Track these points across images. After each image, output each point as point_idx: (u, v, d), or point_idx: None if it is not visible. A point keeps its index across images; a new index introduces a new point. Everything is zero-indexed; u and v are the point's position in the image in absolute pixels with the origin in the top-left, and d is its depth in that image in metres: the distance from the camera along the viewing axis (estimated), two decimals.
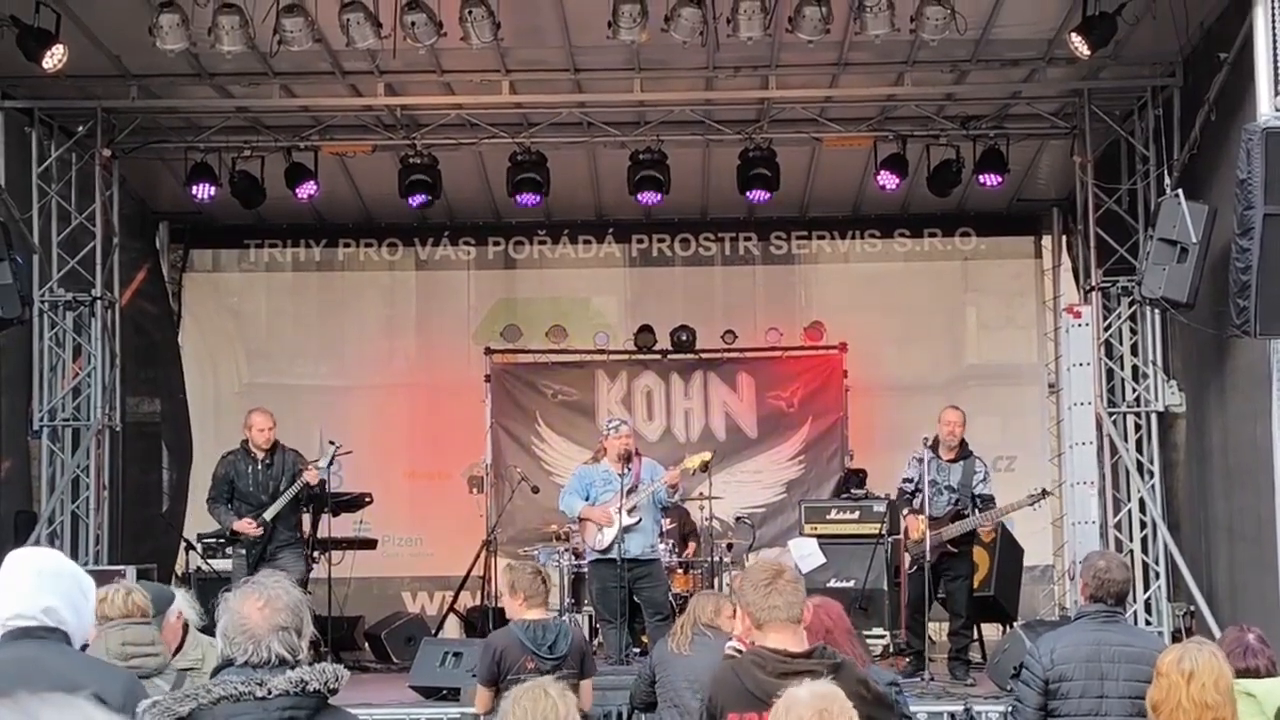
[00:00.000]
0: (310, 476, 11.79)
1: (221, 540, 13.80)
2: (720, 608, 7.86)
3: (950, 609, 11.89)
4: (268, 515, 11.69)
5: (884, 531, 13.09)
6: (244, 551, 11.74)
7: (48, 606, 3.87)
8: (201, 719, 3.60)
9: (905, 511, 11.91)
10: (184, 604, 6.98)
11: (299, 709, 3.70)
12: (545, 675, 6.62)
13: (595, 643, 12.86)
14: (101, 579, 5.57)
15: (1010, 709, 7.06)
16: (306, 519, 12.60)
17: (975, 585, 13.45)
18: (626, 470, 11.75)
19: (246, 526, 11.68)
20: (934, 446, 11.82)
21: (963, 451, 11.78)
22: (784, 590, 5.05)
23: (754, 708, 4.94)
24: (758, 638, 5.08)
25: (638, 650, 11.85)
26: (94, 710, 1.29)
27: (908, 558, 11.88)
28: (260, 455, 11.89)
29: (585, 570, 12.87)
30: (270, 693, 3.65)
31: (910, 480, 11.90)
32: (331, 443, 12.34)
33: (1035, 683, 6.57)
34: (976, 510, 11.67)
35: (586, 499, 11.88)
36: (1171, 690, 4.93)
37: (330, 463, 12.21)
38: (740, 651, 5.27)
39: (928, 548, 11.38)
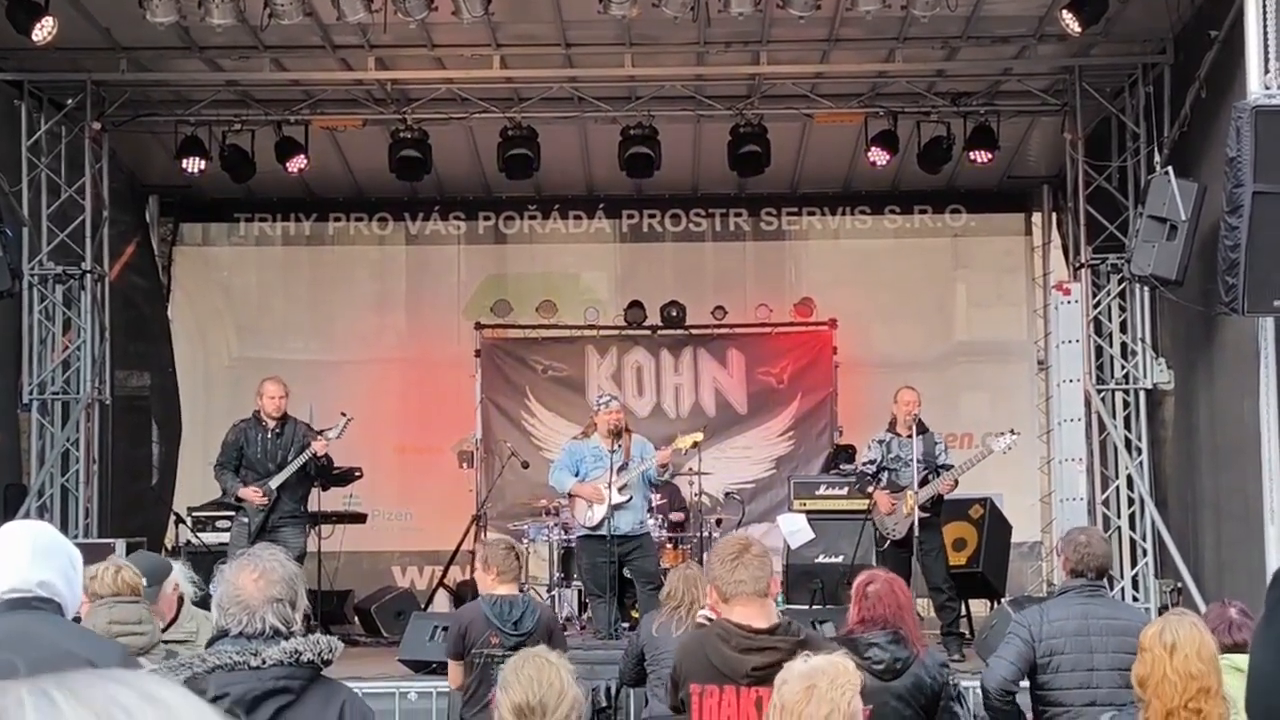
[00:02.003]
0: (319, 447, 11.72)
1: (212, 513, 13.87)
2: None
3: (930, 583, 11.88)
4: (274, 484, 11.63)
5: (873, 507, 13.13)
6: (246, 520, 11.68)
7: (43, 579, 3.90)
8: (196, 688, 3.62)
9: (871, 490, 11.92)
10: (181, 576, 6.98)
11: (292, 679, 3.72)
12: (510, 651, 6.67)
13: (584, 617, 12.91)
14: (91, 552, 5.58)
15: (986, 667, 7.07)
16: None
17: (963, 562, 13.51)
18: (617, 447, 11.77)
19: (252, 495, 11.60)
20: (891, 427, 11.91)
21: (920, 428, 11.83)
22: (750, 564, 5.08)
23: (715, 680, 4.98)
24: (724, 611, 5.12)
25: (626, 625, 11.88)
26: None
27: (878, 535, 11.94)
28: (271, 424, 11.82)
29: (574, 545, 12.92)
30: (264, 663, 3.68)
31: (872, 462, 11.95)
32: (343, 414, 12.28)
33: (1019, 642, 6.59)
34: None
35: (576, 474, 11.90)
36: (1155, 664, 4.96)
37: (341, 434, 12.12)
38: (711, 620, 5.32)
39: (916, 519, 11.41)
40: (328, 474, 12.49)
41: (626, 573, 11.97)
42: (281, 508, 11.70)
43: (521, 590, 8.49)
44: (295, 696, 3.74)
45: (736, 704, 4.88)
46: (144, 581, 6.10)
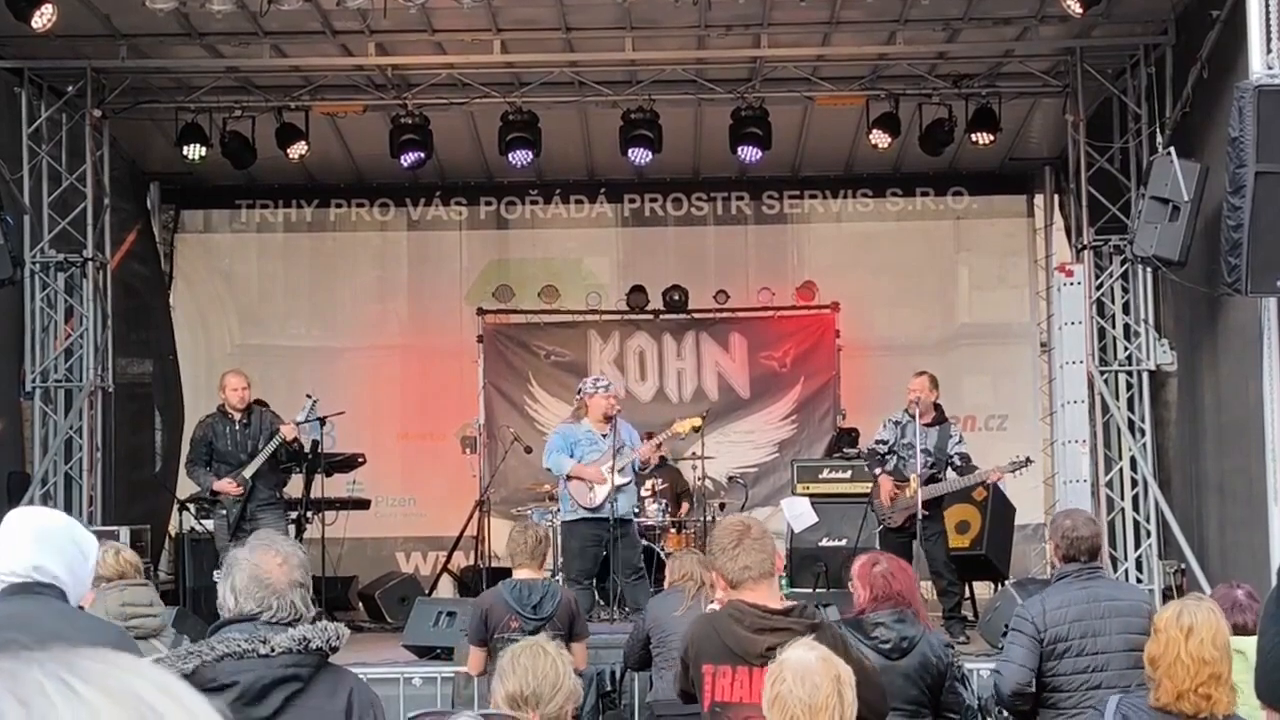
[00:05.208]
0: (287, 431, 11.75)
1: (206, 502, 13.88)
2: None
3: (931, 569, 11.82)
4: (247, 473, 11.64)
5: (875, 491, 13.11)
6: (224, 513, 11.71)
7: (38, 564, 3.89)
8: (205, 675, 3.62)
9: (878, 471, 11.86)
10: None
11: (301, 666, 3.72)
12: (531, 635, 6.66)
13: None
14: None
15: (995, 667, 7.06)
16: (296, 480, 12.63)
17: (967, 544, 13.51)
18: (611, 431, 11.70)
19: (227, 486, 11.62)
20: (910, 409, 11.84)
21: (938, 416, 11.76)
22: (752, 548, 5.05)
23: (729, 662, 4.95)
24: (734, 595, 5.09)
25: (629, 609, 11.85)
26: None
27: (875, 518, 11.89)
28: (237, 416, 11.86)
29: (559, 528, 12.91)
30: (274, 650, 3.67)
31: (884, 442, 11.82)
32: (309, 396, 12.30)
33: (1025, 639, 6.58)
34: (951, 471, 11.62)
35: (571, 457, 11.83)
36: (1170, 645, 4.96)
37: (309, 419, 12.15)
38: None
39: (919, 504, 11.38)
40: (302, 460, 12.51)
41: (612, 558, 11.88)
42: (258, 496, 11.75)
43: (553, 574, 8.50)
44: (304, 684, 3.74)
45: (749, 684, 4.85)
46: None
